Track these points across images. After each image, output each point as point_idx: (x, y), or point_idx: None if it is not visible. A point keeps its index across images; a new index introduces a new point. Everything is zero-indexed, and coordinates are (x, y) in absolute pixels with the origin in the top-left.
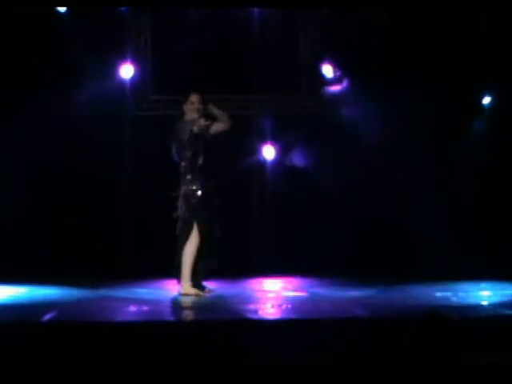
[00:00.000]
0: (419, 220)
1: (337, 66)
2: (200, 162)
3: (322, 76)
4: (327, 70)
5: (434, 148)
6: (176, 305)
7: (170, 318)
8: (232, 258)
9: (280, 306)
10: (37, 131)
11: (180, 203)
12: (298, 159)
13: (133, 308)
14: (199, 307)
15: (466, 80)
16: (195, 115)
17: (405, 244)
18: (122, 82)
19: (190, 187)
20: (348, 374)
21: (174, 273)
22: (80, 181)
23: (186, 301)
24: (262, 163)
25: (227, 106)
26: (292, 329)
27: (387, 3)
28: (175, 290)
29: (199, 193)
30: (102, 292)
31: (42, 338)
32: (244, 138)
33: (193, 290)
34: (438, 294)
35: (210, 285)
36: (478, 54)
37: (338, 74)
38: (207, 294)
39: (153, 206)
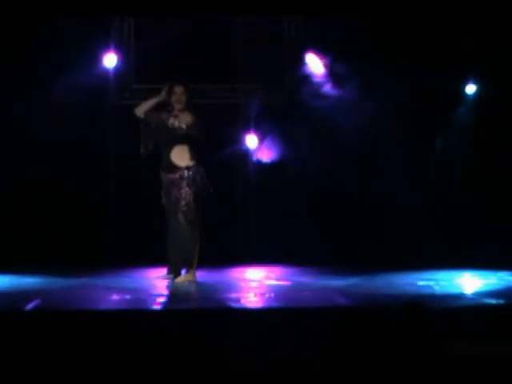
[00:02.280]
0: (403, 209)
1: (320, 54)
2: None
3: (305, 65)
4: (311, 59)
5: (415, 137)
6: (158, 293)
7: (152, 306)
8: (214, 247)
9: (263, 294)
10: (16, 120)
11: (183, 190)
12: (268, 151)
13: (116, 296)
14: (182, 296)
15: (449, 67)
16: (179, 106)
17: (388, 233)
18: (105, 71)
19: (193, 173)
20: (332, 363)
21: (185, 263)
22: (63, 169)
23: (169, 289)
24: (246, 152)
25: (211, 95)
26: (275, 318)
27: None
28: (158, 278)
29: (204, 179)
30: (85, 280)
31: (24, 327)
32: (228, 127)
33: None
34: (421, 283)
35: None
36: (462, 40)
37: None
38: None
39: (137, 195)
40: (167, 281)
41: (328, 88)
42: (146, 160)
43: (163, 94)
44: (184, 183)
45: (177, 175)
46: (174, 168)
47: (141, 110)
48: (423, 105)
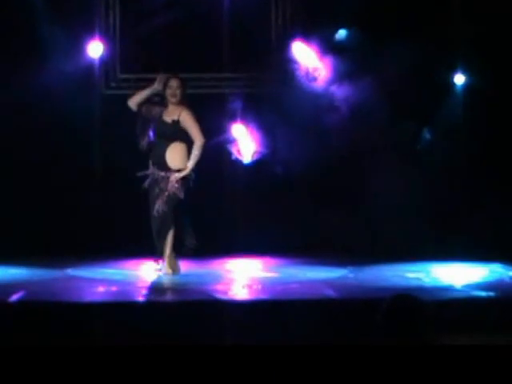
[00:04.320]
0: (391, 199)
1: (308, 43)
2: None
3: (292, 53)
4: (298, 48)
5: (402, 129)
6: (144, 285)
7: (137, 298)
8: (200, 237)
9: (250, 286)
10: None
11: (171, 185)
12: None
13: (101, 288)
14: (167, 288)
15: (437, 55)
16: (174, 100)
17: (377, 223)
18: (90, 61)
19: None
20: (318, 357)
21: (159, 252)
22: (49, 159)
23: (154, 281)
24: (232, 142)
25: (198, 85)
26: (262, 310)
27: None
28: (144, 270)
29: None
30: (70, 272)
31: (8, 319)
32: (214, 117)
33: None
34: (411, 275)
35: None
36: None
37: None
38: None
39: (123, 186)
40: (156, 272)
41: (316, 78)
42: (131, 150)
43: (156, 86)
44: (172, 179)
45: (166, 174)
46: (165, 167)
47: (133, 102)
48: (409, 94)
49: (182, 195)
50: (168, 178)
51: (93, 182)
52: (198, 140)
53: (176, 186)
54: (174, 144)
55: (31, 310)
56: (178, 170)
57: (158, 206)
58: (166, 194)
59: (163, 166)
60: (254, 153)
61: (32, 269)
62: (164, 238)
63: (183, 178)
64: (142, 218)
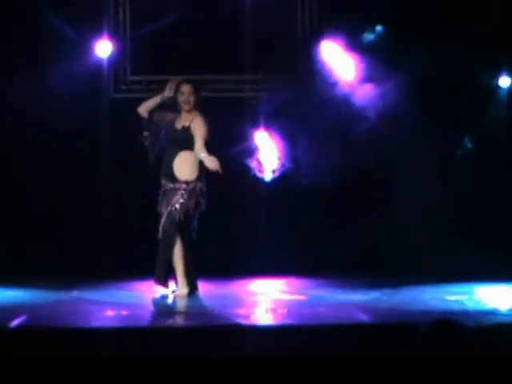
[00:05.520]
0: (426, 213)
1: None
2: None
3: (320, 54)
4: (326, 48)
5: (441, 140)
6: (158, 309)
7: (151, 323)
8: (222, 257)
9: (274, 310)
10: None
11: (176, 199)
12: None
13: (110, 312)
14: (184, 312)
15: (479, 55)
16: (187, 107)
17: (413, 242)
18: (97, 61)
19: (198, 182)
20: None
21: (171, 273)
22: (53, 173)
23: (170, 304)
24: (253, 152)
25: (216, 88)
26: (288, 336)
27: None
28: (157, 292)
29: (202, 197)
30: (76, 294)
31: (8, 346)
32: (235, 123)
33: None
34: (451, 298)
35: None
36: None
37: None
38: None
39: (133, 202)
40: (171, 295)
41: (346, 80)
42: (142, 160)
43: (168, 92)
44: (178, 194)
45: (175, 185)
46: (173, 177)
47: (144, 109)
48: (447, 98)
49: (187, 211)
50: (176, 189)
51: (102, 196)
52: (198, 152)
53: (181, 200)
54: (182, 152)
55: (33, 336)
56: (186, 182)
57: (163, 223)
58: (169, 208)
59: (171, 176)
60: (276, 169)
61: (34, 291)
62: (166, 259)
63: (191, 192)
64: (157, 235)
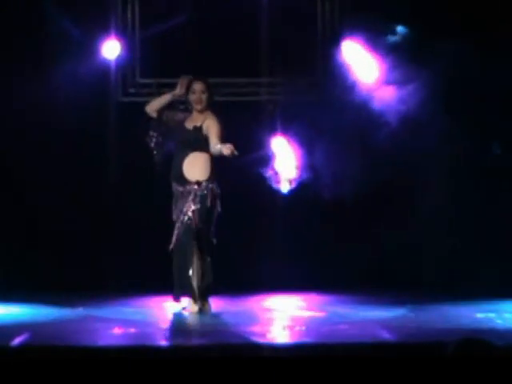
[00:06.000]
0: (453, 228)
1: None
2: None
3: (341, 55)
4: (348, 48)
5: (468, 146)
6: (167, 327)
7: (161, 342)
8: (235, 271)
9: (292, 327)
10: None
11: (188, 206)
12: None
13: (118, 330)
14: (196, 329)
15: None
16: (199, 107)
17: (438, 254)
18: (104, 63)
19: (210, 183)
20: None
21: (184, 287)
22: (57, 184)
23: (182, 322)
24: (269, 160)
25: (230, 92)
26: (306, 355)
27: None
28: (166, 308)
29: (215, 198)
30: (82, 311)
31: (9, 366)
32: (250, 129)
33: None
34: (479, 316)
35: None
36: None
37: None
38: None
39: (143, 209)
40: (182, 312)
41: (367, 82)
42: (159, 171)
43: (178, 91)
44: (190, 198)
45: (186, 188)
46: (183, 180)
47: (152, 108)
48: (474, 101)
49: (201, 216)
50: (188, 193)
51: (106, 210)
52: (214, 147)
53: (193, 207)
54: (193, 154)
55: (35, 356)
56: (197, 182)
57: (177, 234)
58: (182, 217)
59: (181, 178)
60: (293, 179)
61: (37, 307)
62: (184, 272)
63: (203, 195)
64: (167, 247)
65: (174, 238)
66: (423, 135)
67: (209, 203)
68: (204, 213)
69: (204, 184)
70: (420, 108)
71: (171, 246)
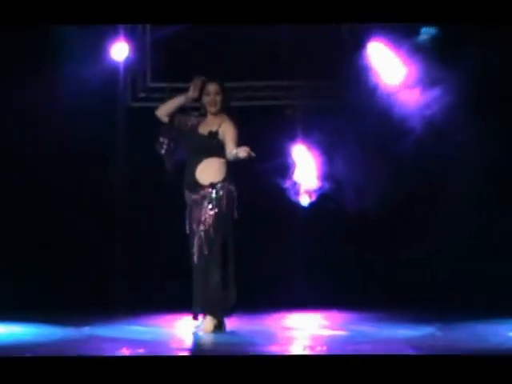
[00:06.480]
0: (484, 238)
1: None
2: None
3: (366, 57)
4: (374, 50)
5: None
6: (179, 347)
7: (170, 362)
8: (254, 289)
9: (313, 347)
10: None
11: (204, 213)
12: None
13: (126, 350)
14: (208, 349)
15: None
16: (213, 110)
17: (468, 269)
18: (113, 66)
19: (225, 184)
20: None
21: (205, 304)
22: (62, 196)
23: (192, 341)
24: (290, 169)
25: (248, 96)
26: (328, 374)
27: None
28: (176, 327)
29: (232, 200)
30: (88, 330)
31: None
32: (268, 135)
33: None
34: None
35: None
36: None
37: None
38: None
39: (152, 222)
40: (194, 330)
41: (393, 85)
42: (170, 180)
43: (191, 93)
44: (205, 204)
45: (200, 195)
46: (197, 186)
47: (163, 112)
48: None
49: (219, 221)
50: (202, 199)
51: (114, 225)
52: (230, 153)
53: (210, 212)
54: (207, 160)
55: (38, 376)
56: (212, 185)
57: (199, 247)
58: (201, 228)
59: (194, 185)
60: (313, 191)
61: (40, 327)
62: (206, 289)
63: (218, 198)
64: (178, 262)
65: (194, 252)
66: (448, 143)
67: (225, 207)
68: (222, 219)
69: (219, 185)
70: (446, 112)
71: (195, 260)
